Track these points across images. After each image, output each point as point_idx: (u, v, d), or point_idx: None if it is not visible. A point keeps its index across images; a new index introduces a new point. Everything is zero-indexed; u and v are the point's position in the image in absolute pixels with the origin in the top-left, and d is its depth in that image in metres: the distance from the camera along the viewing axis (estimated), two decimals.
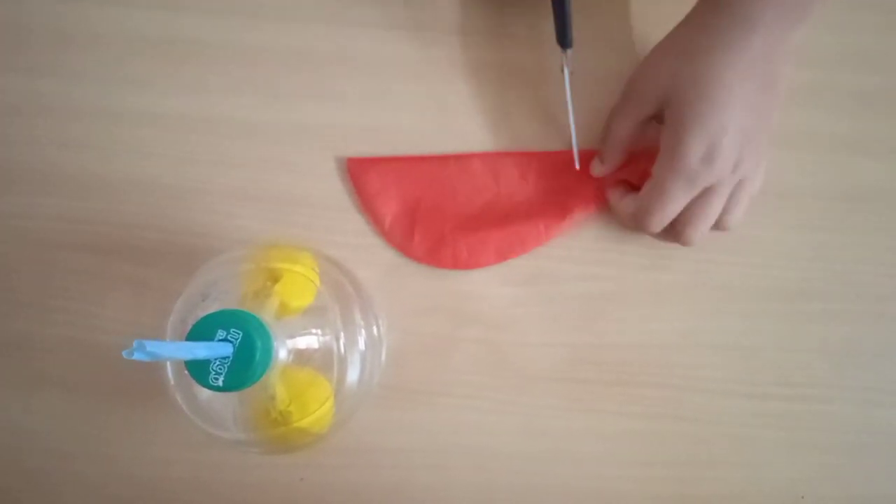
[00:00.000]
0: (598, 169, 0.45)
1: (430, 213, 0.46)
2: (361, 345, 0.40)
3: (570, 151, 0.46)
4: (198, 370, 0.31)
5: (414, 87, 0.47)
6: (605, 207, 0.46)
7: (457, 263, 0.46)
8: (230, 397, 0.36)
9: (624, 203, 0.44)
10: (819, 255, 0.46)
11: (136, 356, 0.26)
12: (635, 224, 0.43)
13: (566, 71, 0.44)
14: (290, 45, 0.46)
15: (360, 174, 0.46)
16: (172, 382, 0.36)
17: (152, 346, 0.27)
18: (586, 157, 0.45)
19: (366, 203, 0.46)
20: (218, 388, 0.31)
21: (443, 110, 0.47)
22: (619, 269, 0.46)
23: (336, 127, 0.46)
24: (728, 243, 0.45)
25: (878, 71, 0.47)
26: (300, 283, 0.38)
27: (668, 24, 0.42)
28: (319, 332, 0.39)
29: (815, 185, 0.47)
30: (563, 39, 0.44)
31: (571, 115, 0.45)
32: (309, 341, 0.38)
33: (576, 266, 0.46)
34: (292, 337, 0.36)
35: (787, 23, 0.39)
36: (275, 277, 0.38)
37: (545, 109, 0.47)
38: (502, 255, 0.46)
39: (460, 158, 0.46)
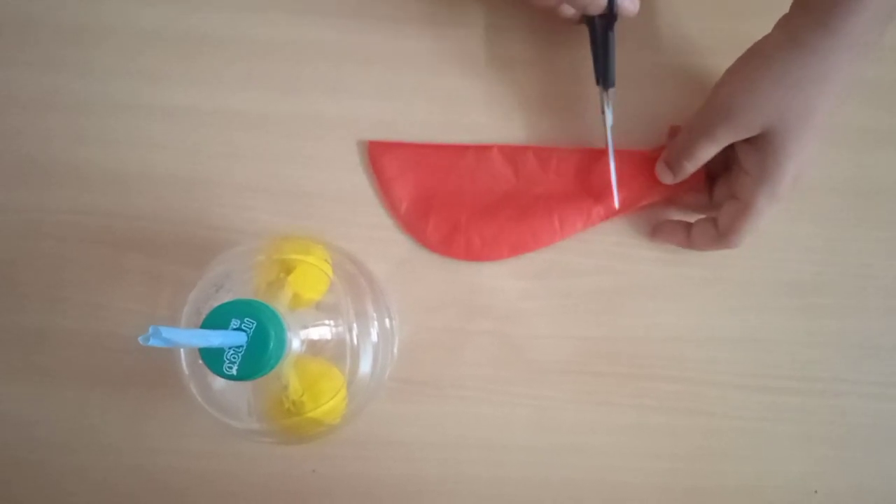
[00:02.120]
0: (668, 178, 0.44)
1: (447, 200, 0.46)
2: (374, 336, 0.40)
3: (592, 149, 0.46)
4: (212, 359, 0.31)
5: (427, 79, 0.47)
6: (625, 211, 0.46)
7: (469, 254, 0.45)
8: (244, 387, 0.36)
9: (702, 230, 0.44)
10: (834, 249, 0.46)
11: (153, 342, 0.27)
12: (715, 246, 0.43)
13: (608, 112, 0.44)
14: (304, 38, 0.47)
15: (378, 157, 0.46)
16: (187, 372, 0.37)
17: (168, 333, 0.27)
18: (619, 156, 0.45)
19: (383, 186, 0.46)
20: (232, 377, 0.32)
21: (456, 103, 0.47)
22: (632, 262, 0.46)
23: (349, 120, 0.46)
24: None
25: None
26: (313, 275, 0.39)
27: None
28: (332, 323, 0.39)
29: (830, 179, 0.46)
30: (607, 78, 0.43)
31: (612, 159, 0.44)
32: (322, 332, 0.38)
33: (589, 259, 0.46)
34: (305, 327, 0.36)
35: (881, 36, 0.38)
36: (288, 269, 0.38)
37: (559, 103, 0.47)
38: (516, 249, 0.46)
39: (480, 148, 0.46)
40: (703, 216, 0.45)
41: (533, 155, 0.46)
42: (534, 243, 0.46)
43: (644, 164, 0.45)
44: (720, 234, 0.43)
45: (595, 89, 0.44)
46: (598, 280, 0.46)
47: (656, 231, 0.46)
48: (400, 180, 0.46)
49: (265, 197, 0.46)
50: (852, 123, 0.46)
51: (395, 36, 0.47)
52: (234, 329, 0.32)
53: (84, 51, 0.46)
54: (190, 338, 0.30)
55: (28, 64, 0.46)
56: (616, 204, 0.45)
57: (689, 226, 0.45)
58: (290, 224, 0.46)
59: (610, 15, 0.42)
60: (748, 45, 0.40)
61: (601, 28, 0.43)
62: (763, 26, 0.40)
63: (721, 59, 0.41)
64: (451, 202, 0.46)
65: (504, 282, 0.46)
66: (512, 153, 0.46)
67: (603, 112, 0.44)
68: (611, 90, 0.44)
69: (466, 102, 0.47)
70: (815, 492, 0.45)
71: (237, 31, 0.47)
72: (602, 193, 0.45)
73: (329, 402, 0.37)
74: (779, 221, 0.46)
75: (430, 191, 0.46)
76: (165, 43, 0.47)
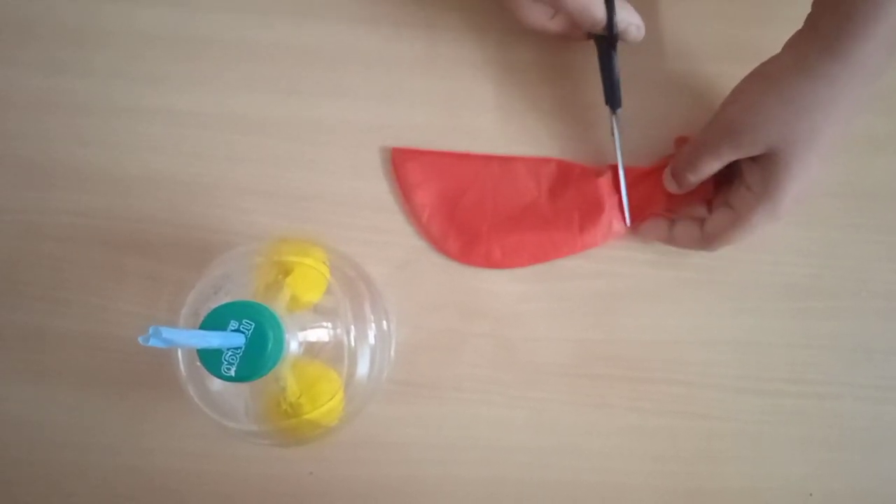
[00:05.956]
0: (673, 188, 0.44)
1: (469, 210, 0.46)
2: (371, 339, 0.41)
3: (612, 165, 0.45)
4: (210, 360, 0.32)
5: (426, 84, 0.47)
6: (636, 220, 0.46)
7: (489, 263, 0.45)
8: (241, 388, 0.37)
9: (686, 230, 0.44)
10: (831, 252, 0.46)
11: (152, 342, 0.27)
12: (695, 247, 0.43)
13: (616, 133, 0.44)
14: (304, 42, 0.47)
15: (402, 164, 0.46)
16: (184, 374, 0.37)
17: (168, 333, 0.27)
18: (632, 173, 0.45)
19: (406, 193, 0.46)
20: (230, 378, 0.32)
21: (455, 108, 0.47)
22: (629, 266, 0.46)
23: (349, 124, 0.46)
24: None
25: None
26: (311, 277, 0.39)
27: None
28: (330, 325, 0.39)
29: (826, 182, 0.46)
30: (613, 100, 0.44)
31: (623, 178, 0.44)
32: (319, 334, 0.38)
33: (586, 263, 0.46)
34: (303, 329, 0.37)
35: (890, 62, 0.38)
36: (286, 271, 0.38)
37: (558, 109, 0.47)
38: (535, 259, 0.46)
39: (504, 159, 0.46)
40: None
41: (556, 168, 0.46)
42: (554, 253, 0.45)
43: (653, 174, 0.45)
44: (705, 237, 0.43)
45: (604, 106, 0.44)
46: (597, 283, 0.46)
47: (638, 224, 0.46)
48: (423, 188, 0.46)
49: (265, 200, 0.46)
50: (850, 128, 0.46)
51: (395, 40, 0.47)
52: (233, 330, 0.32)
53: (85, 52, 0.47)
54: (189, 338, 0.30)
55: (28, 65, 0.46)
56: (627, 222, 0.45)
57: (671, 222, 0.45)
58: (290, 226, 0.46)
59: (610, 37, 0.42)
60: (752, 52, 0.40)
61: (604, 49, 0.43)
62: (767, 34, 0.40)
63: (726, 68, 0.41)
64: (473, 211, 0.46)
65: (502, 284, 0.46)
66: (535, 165, 0.46)
67: (612, 132, 0.44)
68: (619, 111, 0.44)
69: (465, 107, 0.47)
70: (811, 495, 0.45)
71: (238, 33, 0.47)
72: (620, 209, 0.45)
73: (326, 403, 0.37)
74: (776, 225, 0.46)
75: (452, 199, 0.46)
76: (166, 45, 0.47)
